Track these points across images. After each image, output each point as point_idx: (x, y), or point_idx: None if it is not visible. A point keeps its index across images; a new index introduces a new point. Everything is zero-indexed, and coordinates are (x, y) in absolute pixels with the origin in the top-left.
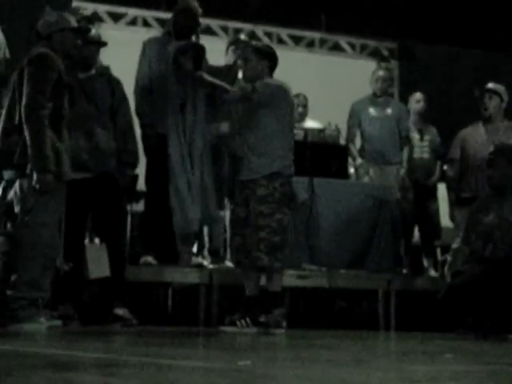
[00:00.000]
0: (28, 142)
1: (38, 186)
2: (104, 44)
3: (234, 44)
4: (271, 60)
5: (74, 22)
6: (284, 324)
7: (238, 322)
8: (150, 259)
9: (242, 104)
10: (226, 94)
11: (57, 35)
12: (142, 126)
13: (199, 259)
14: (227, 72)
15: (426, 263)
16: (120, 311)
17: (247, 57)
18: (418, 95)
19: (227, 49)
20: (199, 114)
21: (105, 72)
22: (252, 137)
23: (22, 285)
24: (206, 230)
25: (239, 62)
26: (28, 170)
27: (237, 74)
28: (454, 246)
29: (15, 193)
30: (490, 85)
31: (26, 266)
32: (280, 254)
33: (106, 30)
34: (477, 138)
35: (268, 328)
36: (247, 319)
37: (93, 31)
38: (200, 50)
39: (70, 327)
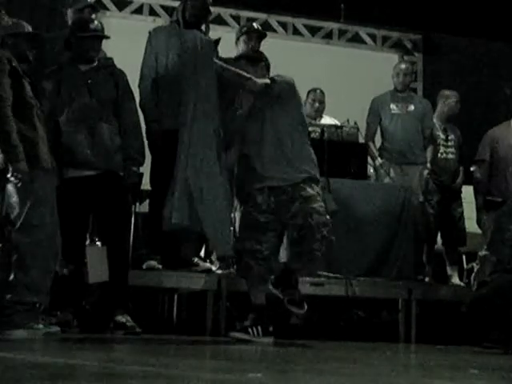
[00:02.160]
0: None
1: (13, 179)
2: (105, 37)
3: (246, 34)
4: (265, 60)
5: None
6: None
7: (249, 329)
8: (154, 263)
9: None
10: (249, 81)
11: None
12: (147, 121)
13: (207, 264)
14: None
15: (449, 271)
16: (122, 318)
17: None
18: (449, 92)
19: (238, 39)
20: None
21: (108, 64)
22: (273, 140)
23: (20, 288)
24: None
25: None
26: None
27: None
28: (482, 253)
29: (8, 198)
30: None
31: (24, 268)
32: None
33: (110, 19)
34: (508, 137)
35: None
36: (259, 328)
37: (95, 23)
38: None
39: (69, 334)
